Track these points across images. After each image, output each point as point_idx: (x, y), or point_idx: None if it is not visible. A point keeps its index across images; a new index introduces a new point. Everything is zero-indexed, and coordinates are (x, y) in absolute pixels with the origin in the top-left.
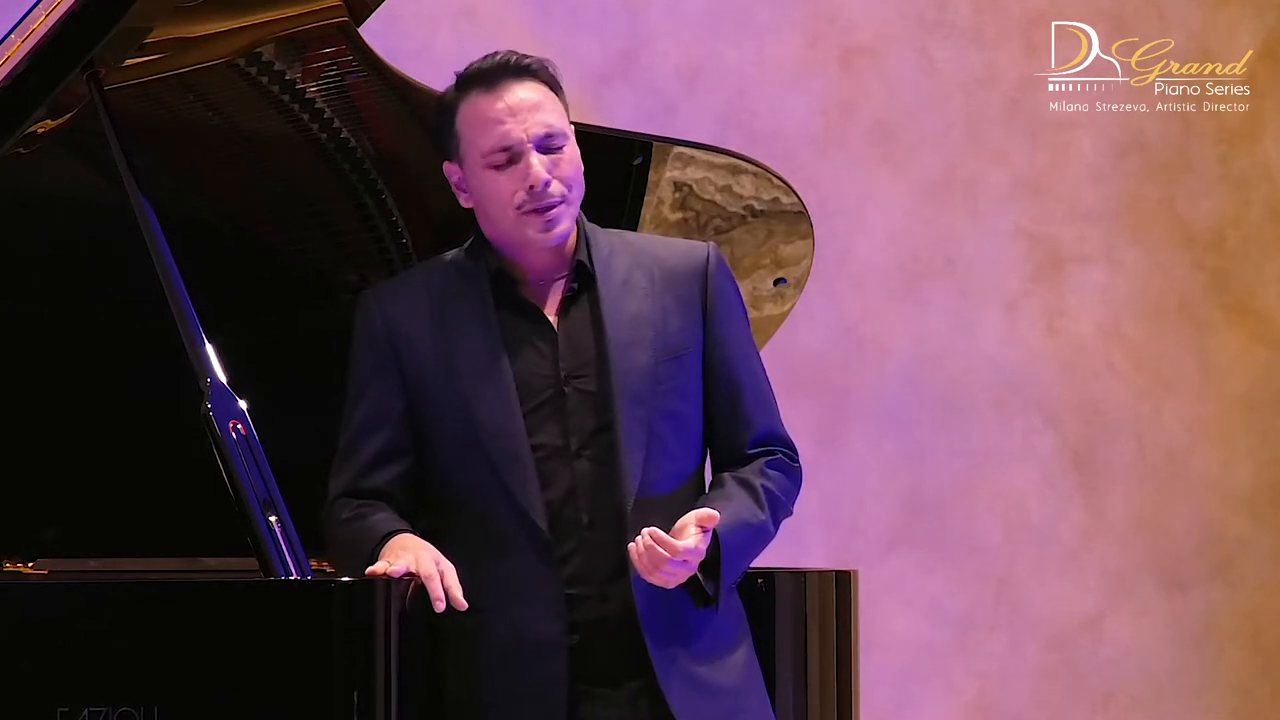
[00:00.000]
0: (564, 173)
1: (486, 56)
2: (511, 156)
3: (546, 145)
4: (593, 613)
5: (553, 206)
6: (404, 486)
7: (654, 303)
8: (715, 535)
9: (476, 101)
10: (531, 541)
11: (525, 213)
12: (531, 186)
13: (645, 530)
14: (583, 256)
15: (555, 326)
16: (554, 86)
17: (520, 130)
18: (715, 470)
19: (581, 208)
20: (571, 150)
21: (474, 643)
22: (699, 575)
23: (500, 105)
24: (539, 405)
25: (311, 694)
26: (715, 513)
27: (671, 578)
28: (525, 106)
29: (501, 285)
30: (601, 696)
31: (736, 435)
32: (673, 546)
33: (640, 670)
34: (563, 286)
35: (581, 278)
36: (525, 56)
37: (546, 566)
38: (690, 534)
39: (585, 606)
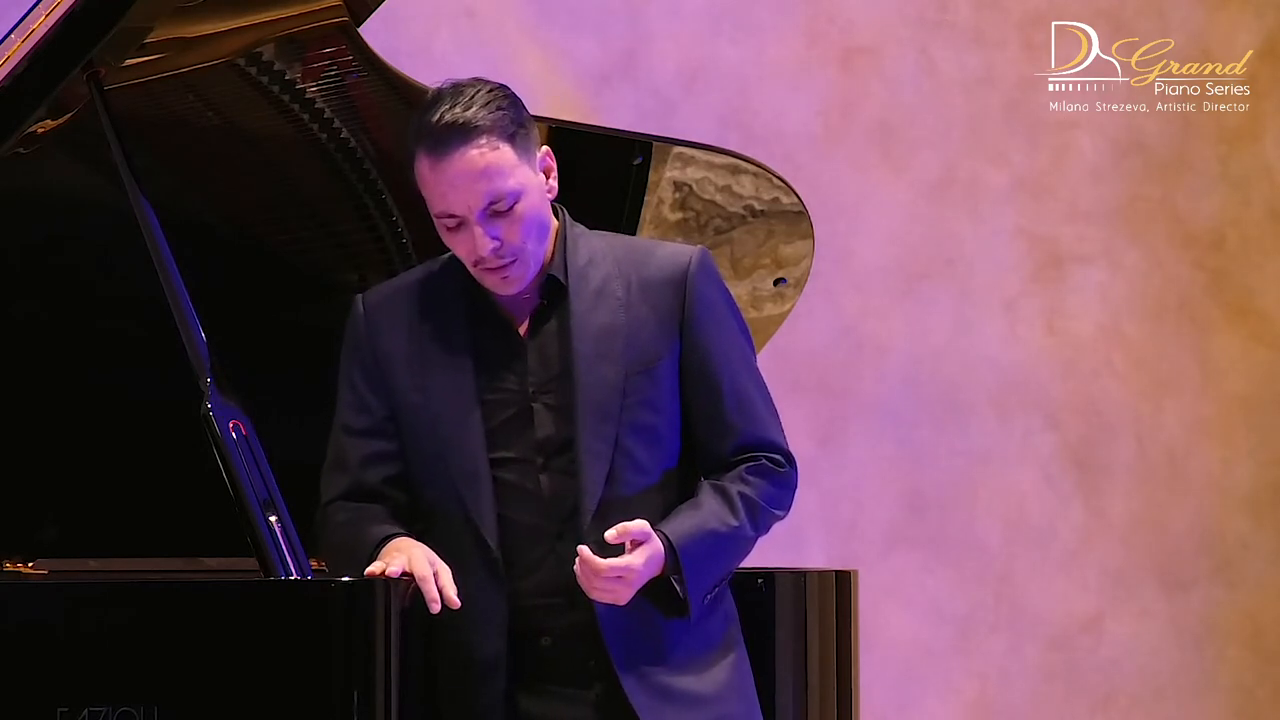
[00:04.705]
0: (514, 234)
1: (435, 103)
2: (459, 223)
3: (493, 210)
4: (563, 619)
5: (506, 265)
6: (397, 488)
7: (628, 313)
8: (674, 547)
9: (424, 164)
10: (483, 558)
11: (481, 270)
12: (481, 256)
13: (579, 549)
14: (555, 269)
15: (525, 340)
16: (506, 133)
17: (463, 205)
18: (702, 477)
19: (582, 208)
20: (524, 204)
21: (431, 654)
22: (675, 585)
23: (443, 177)
24: (507, 420)
25: (311, 694)
26: (643, 524)
27: (613, 596)
28: (467, 178)
29: (476, 298)
30: (570, 696)
31: (717, 442)
32: (597, 565)
33: (608, 674)
34: (534, 300)
35: (553, 290)
36: (470, 106)
37: (496, 585)
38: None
39: (555, 613)
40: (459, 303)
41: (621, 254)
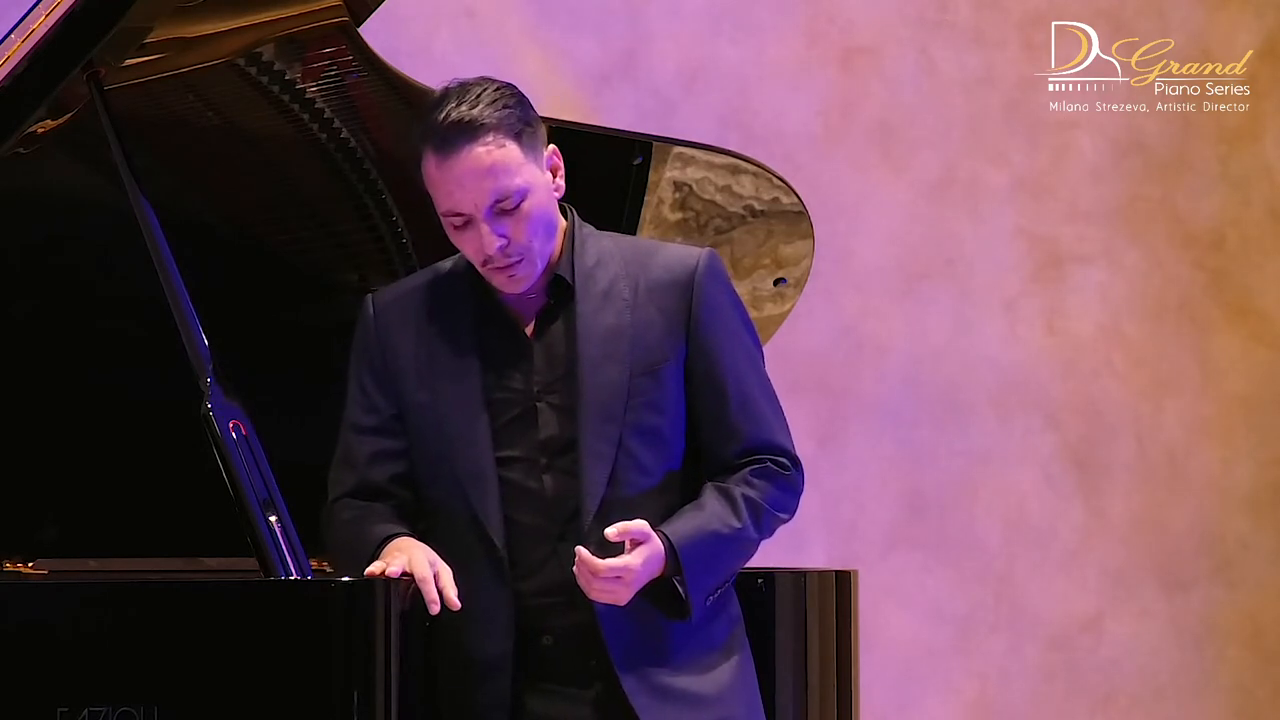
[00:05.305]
0: (521, 232)
1: (442, 101)
2: (466, 221)
3: (500, 208)
4: (564, 619)
5: (513, 264)
6: (403, 486)
7: (634, 315)
8: (674, 548)
9: (431, 162)
10: (489, 557)
11: (488, 269)
12: (488, 255)
13: (577, 550)
14: (563, 269)
15: (531, 340)
16: (513, 131)
17: (470, 203)
18: (706, 479)
19: (581, 208)
20: (531, 202)
21: (434, 654)
22: (678, 586)
23: (450, 175)
24: (512, 419)
25: (311, 694)
26: (643, 524)
27: (612, 596)
28: (474, 176)
29: (483, 298)
30: (571, 696)
31: (722, 445)
32: (595, 566)
33: (609, 673)
34: (541, 300)
35: (560, 290)
36: (476, 105)
37: (501, 584)
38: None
39: (557, 612)
40: (466, 303)
41: (629, 255)
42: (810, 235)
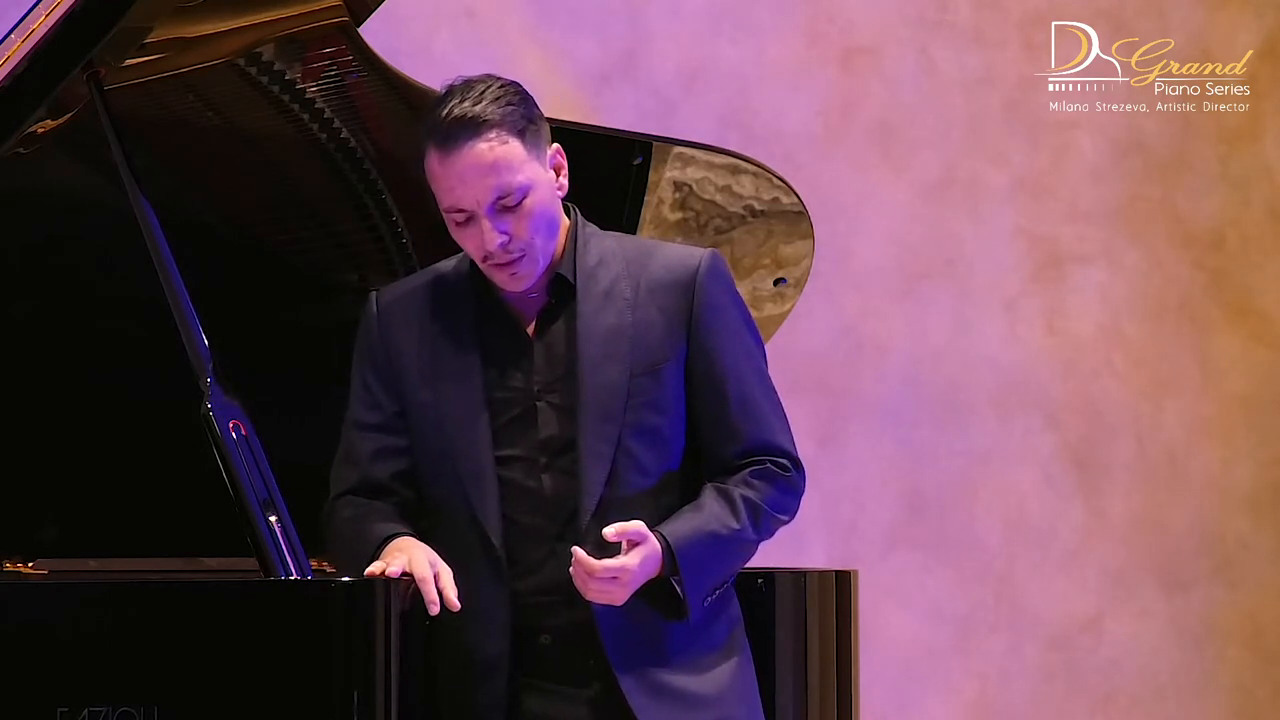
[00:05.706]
0: (523, 229)
1: (446, 98)
2: (468, 217)
3: (502, 205)
4: (562, 618)
5: (515, 261)
6: (405, 484)
7: (635, 315)
8: (672, 549)
9: (434, 158)
10: (487, 557)
11: (490, 265)
12: (489, 251)
13: (573, 550)
14: (564, 269)
15: (532, 340)
16: (516, 128)
17: (471, 199)
18: (706, 480)
19: (582, 208)
20: (533, 199)
21: (433, 654)
22: (676, 587)
23: (452, 171)
24: (512, 419)
25: (311, 694)
26: (639, 525)
27: (609, 596)
28: (476, 172)
29: (486, 296)
30: (569, 695)
31: (722, 446)
32: (591, 566)
33: (607, 673)
34: (543, 299)
35: (561, 290)
36: (480, 101)
37: (499, 584)
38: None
39: (555, 611)
40: (468, 302)
41: (632, 254)
42: (810, 235)
